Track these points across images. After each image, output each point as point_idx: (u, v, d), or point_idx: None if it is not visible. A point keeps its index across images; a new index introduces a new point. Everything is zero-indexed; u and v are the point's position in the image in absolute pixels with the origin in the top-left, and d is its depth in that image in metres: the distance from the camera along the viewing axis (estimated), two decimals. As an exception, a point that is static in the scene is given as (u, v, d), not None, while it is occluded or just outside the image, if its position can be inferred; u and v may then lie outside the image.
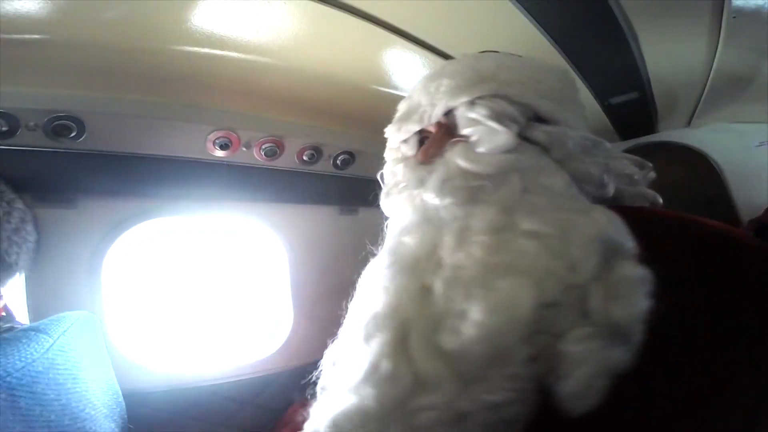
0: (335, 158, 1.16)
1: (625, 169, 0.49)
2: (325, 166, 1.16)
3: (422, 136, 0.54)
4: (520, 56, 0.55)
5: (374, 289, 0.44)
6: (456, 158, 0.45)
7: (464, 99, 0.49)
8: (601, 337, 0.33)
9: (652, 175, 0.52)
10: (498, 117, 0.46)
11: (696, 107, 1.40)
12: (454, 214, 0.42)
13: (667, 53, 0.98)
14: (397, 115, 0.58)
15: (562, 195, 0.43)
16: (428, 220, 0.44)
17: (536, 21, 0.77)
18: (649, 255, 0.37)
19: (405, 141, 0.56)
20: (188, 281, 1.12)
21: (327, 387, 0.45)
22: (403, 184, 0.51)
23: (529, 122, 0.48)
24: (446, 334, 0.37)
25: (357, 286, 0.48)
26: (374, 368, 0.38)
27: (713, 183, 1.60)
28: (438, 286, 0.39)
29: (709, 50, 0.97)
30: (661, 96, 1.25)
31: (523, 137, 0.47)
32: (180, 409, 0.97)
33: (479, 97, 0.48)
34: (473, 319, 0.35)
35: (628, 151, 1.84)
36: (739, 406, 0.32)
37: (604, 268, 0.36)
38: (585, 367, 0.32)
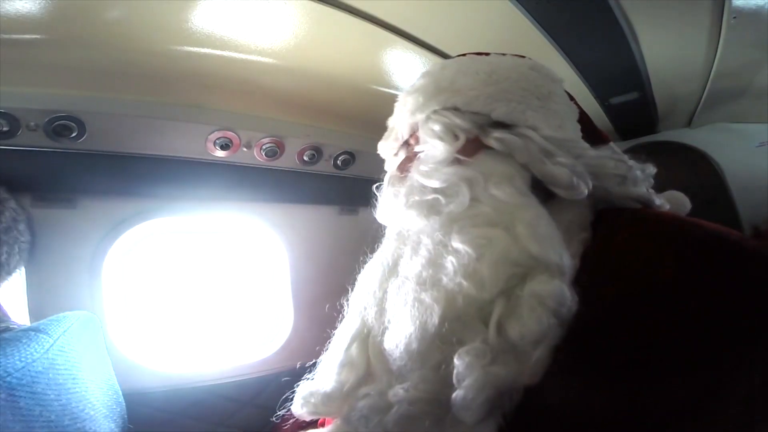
0: (335, 158, 1.16)
1: (611, 170, 0.47)
2: (325, 166, 1.16)
3: (408, 149, 0.56)
4: (486, 54, 0.55)
5: (360, 290, 0.51)
6: (415, 174, 0.49)
7: (420, 116, 0.52)
8: (486, 354, 0.36)
9: (651, 171, 0.51)
10: (448, 129, 0.48)
11: (696, 107, 1.40)
12: (417, 227, 0.47)
13: (668, 53, 0.98)
14: (386, 132, 0.61)
15: (507, 203, 0.43)
16: (400, 234, 0.50)
17: (536, 21, 0.78)
18: (639, 260, 0.37)
19: (395, 155, 0.59)
20: (188, 281, 1.12)
21: (313, 374, 0.52)
22: (387, 197, 0.54)
23: (484, 128, 0.48)
24: (388, 336, 0.43)
25: (355, 284, 0.54)
26: (340, 356, 0.47)
27: (713, 183, 1.60)
28: (391, 292, 0.45)
29: (709, 50, 0.97)
30: (662, 96, 1.25)
31: (484, 144, 0.48)
32: (180, 409, 0.97)
33: (434, 111, 0.51)
34: (401, 325, 0.42)
35: (628, 151, 1.83)
36: (735, 406, 0.32)
37: (516, 284, 0.38)
38: (467, 381, 0.35)
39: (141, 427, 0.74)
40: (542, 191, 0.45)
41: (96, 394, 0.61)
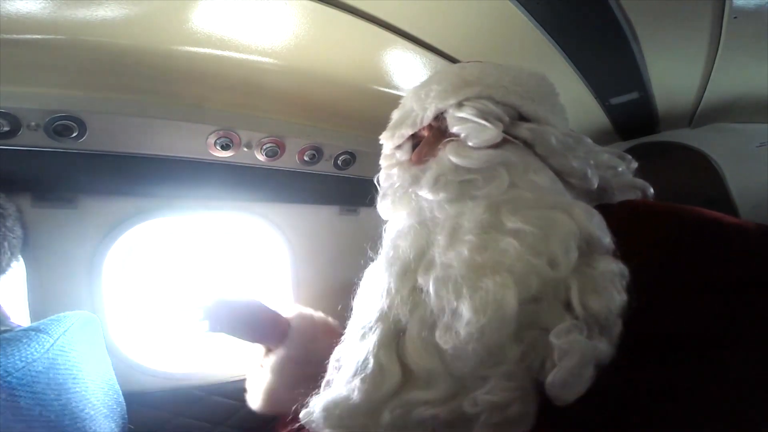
0: (336, 158, 1.16)
1: (608, 162, 0.53)
2: (325, 166, 1.16)
3: (415, 142, 0.57)
4: (500, 64, 0.59)
5: (371, 292, 0.46)
6: (448, 155, 0.48)
7: (452, 101, 0.53)
8: (582, 329, 0.35)
9: (634, 165, 0.55)
10: (484, 115, 0.50)
11: (697, 107, 1.40)
12: (447, 213, 0.44)
13: (668, 53, 0.98)
14: (391, 122, 0.61)
15: (548, 190, 0.45)
16: (422, 222, 0.46)
17: (537, 21, 0.78)
18: (632, 244, 0.39)
19: (399, 147, 0.59)
20: (188, 281, 1.12)
21: (329, 382, 0.47)
22: (398, 184, 0.53)
23: (513, 121, 0.51)
24: (441, 333, 0.38)
25: (358, 286, 0.50)
26: (364, 364, 0.41)
27: (713, 183, 1.60)
28: (430, 285, 0.41)
29: (710, 50, 0.97)
30: (662, 96, 1.25)
31: (509, 135, 0.50)
32: (180, 409, 0.97)
33: (466, 99, 0.52)
34: (464, 318, 0.37)
35: (628, 151, 1.84)
36: (729, 383, 0.33)
37: (583, 263, 0.38)
38: (570, 358, 0.33)
39: (141, 427, 0.74)
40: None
41: (96, 394, 0.61)
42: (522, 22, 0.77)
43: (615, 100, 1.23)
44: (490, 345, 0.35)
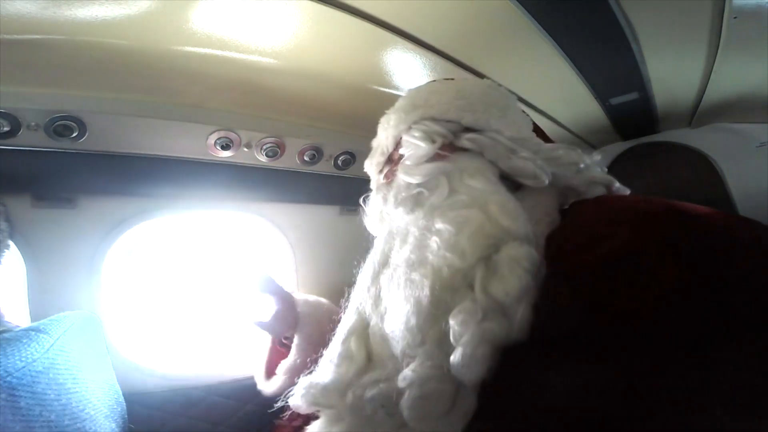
0: (336, 158, 1.16)
1: (565, 158, 0.55)
2: (325, 166, 1.16)
3: (392, 165, 0.63)
4: (450, 80, 0.65)
5: (355, 291, 0.54)
6: (400, 174, 0.55)
7: (403, 126, 0.60)
8: (477, 312, 0.39)
9: (598, 158, 0.57)
10: (427, 135, 0.56)
11: (697, 107, 1.40)
12: (404, 221, 0.52)
13: (668, 54, 0.98)
14: (371, 152, 0.68)
15: (481, 190, 0.49)
16: (390, 232, 0.54)
17: (537, 21, 0.78)
18: (595, 234, 0.41)
19: (381, 172, 0.66)
20: (188, 281, 1.12)
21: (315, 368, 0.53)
22: (376, 204, 0.61)
23: (457, 134, 0.57)
24: (388, 321, 0.46)
25: (353, 287, 0.56)
26: (338, 349, 0.50)
27: (713, 183, 1.60)
28: (384, 282, 0.49)
29: (710, 51, 0.97)
30: (662, 96, 1.25)
31: (457, 146, 0.56)
32: (180, 409, 0.97)
33: (414, 122, 0.59)
34: (397, 306, 0.44)
35: (628, 151, 1.84)
36: (706, 389, 0.32)
37: (493, 252, 0.42)
38: (464, 338, 0.37)
39: (141, 427, 0.74)
40: (510, 183, 0.53)
41: (96, 393, 0.61)
42: (522, 22, 0.77)
43: (615, 100, 1.23)
44: (411, 327, 0.42)
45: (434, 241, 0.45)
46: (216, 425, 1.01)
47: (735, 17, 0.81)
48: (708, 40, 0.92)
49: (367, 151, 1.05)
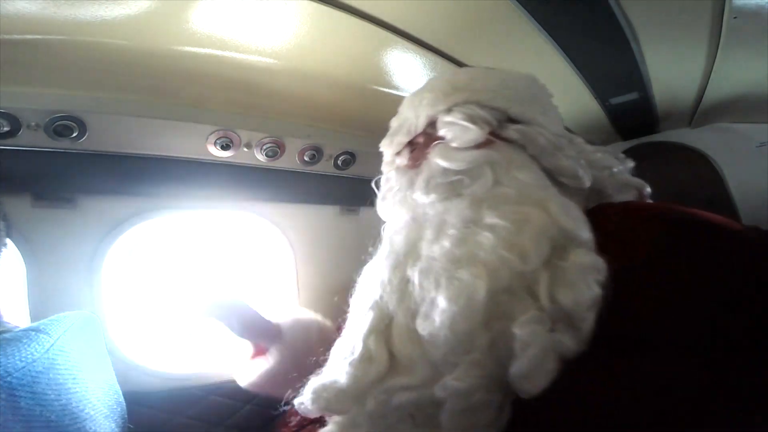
0: (336, 158, 1.16)
1: (602, 161, 0.54)
2: (325, 166, 1.16)
3: (412, 148, 0.60)
4: (491, 69, 0.61)
5: (367, 284, 0.50)
6: (436, 158, 0.51)
7: (442, 107, 0.55)
8: (545, 321, 0.36)
9: (630, 164, 0.57)
10: (471, 119, 0.52)
11: (697, 107, 1.40)
12: (437, 209, 0.47)
13: (668, 53, 0.98)
14: (390, 130, 0.63)
15: (531, 186, 0.46)
16: (416, 218, 0.49)
17: (537, 21, 0.78)
18: (625, 242, 0.40)
19: (398, 153, 0.61)
20: (189, 281, 1.12)
21: (322, 369, 0.49)
22: (397, 188, 0.56)
23: (501, 123, 0.53)
24: (421, 320, 0.41)
25: (355, 288, 0.53)
26: (354, 349, 0.44)
27: (713, 183, 1.60)
28: (415, 276, 0.44)
29: (710, 51, 0.97)
30: (662, 96, 1.25)
31: (499, 137, 0.52)
32: (180, 409, 0.97)
33: (455, 105, 0.55)
34: (440, 306, 0.39)
35: (628, 151, 1.84)
36: (713, 387, 0.33)
37: (556, 257, 0.39)
38: (532, 349, 0.34)
39: (141, 427, 0.74)
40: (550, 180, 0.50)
41: (96, 394, 0.61)
42: (522, 22, 0.77)
43: (615, 100, 1.23)
44: (459, 332, 0.38)
45: (486, 237, 0.41)
46: (215, 425, 1.01)
47: (735, 17, 0.81)
48: (708, 40, 0.92)
49: (367, 151, 1.05)
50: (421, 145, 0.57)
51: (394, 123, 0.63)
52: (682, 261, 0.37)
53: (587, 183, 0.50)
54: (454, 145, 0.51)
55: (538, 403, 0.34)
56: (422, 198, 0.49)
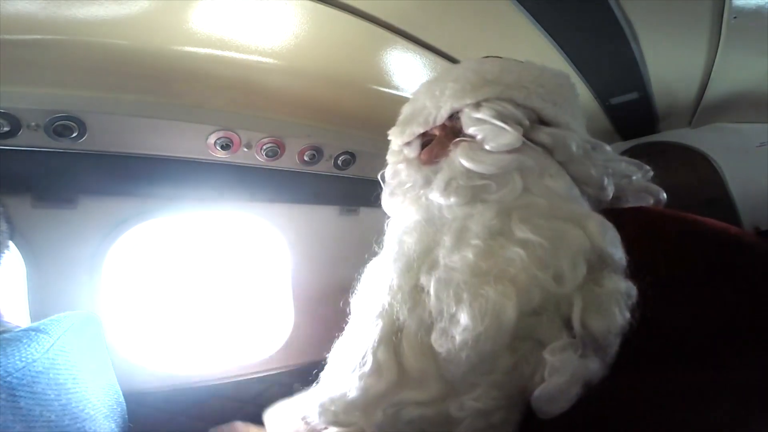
0: (336, 158, 1.16)
1: (624, 170, 0.51)
2: (325, 166, 1.16)
3: (425, 140, 0.55)
4: (521, 62, 0.56)
5: (372, 287, 0.46)
6: (460, 158, 0.46)
7: (469, 101, 0.50)
8: (577, 348, 0.34)
9: (650, 174, 0.53)
10: (503, 118, 0.47)
11: (697, 107, 1.40)
12: (456, 214, 0.43)
13: (668, 53, 0.98)
14: (401, 117, 0.58)
15: (563, 197, 0.43)
16: (430, 220, 0.45)
17: (537, 21, 0.78)
18: (644, 254, 0.38)
19: (408, 144, 0.57)
20: (189, 281, 1.12)
21: (325, 378, 0.46)
22: (409, 184, 0.52)
23: (533, 125, 0.49)
24: (437, 336, 0.38)
25: (359, 284, 0.50)
26: (363, 361, 0.41)
27: (714, 183, 1.60)
28: (431, 286, 0.40)
29: (710, 51, 0.97)
30: (662, 96, 1.25)
31: (528, 139, 0.47)
32: (180, 409, 0.97)
33: (485, 100, 0.50)
34: (462, 324, 0.36)
35: (628, 151, 1.84)
36: (732, 400, 0.32)
37: (590, 279, 0.37)
38: (561, 376, 0.33)
39: (141, 427, 0.74)
40: None
41: (96, 393, 0.61)
42: (522, 21, 0.77)
43: (615, 100, 1.23)
44: (483, 353, 0.35)
45: (517, 254, 0.38)
46: (216, 425, 1.01)
47: (735, 17, 0.81)
48: (708, 40, 0.92)
49: (367, 151, 1.04)
50: (438, 138, 0.53)
51: (406, 110, 0.58)
52: (715, 279, 0.37)
53: (611, 194, 0.48)
54: (486, 147, 0.47)
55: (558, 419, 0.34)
56: (440, 200, 0.45)
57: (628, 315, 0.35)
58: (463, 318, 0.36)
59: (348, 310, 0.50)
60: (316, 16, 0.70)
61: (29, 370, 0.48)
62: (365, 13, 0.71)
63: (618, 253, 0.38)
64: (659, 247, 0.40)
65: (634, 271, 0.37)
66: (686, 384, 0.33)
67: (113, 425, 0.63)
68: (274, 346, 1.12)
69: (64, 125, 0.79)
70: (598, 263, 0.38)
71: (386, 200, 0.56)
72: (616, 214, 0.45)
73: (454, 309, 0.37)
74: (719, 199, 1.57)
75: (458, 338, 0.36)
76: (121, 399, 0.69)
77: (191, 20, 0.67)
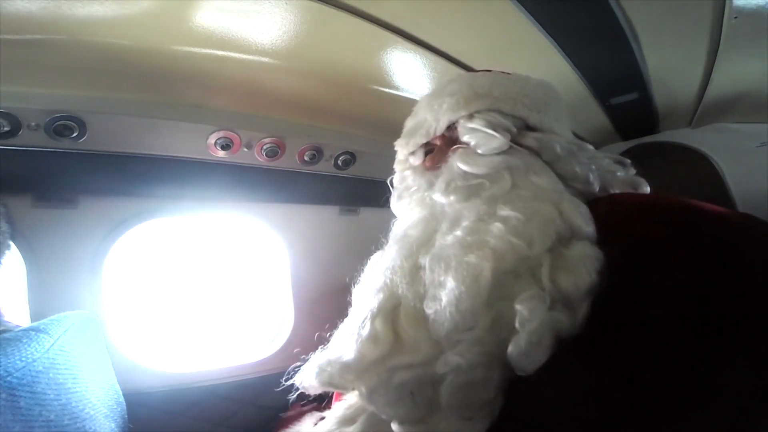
0: (336, 158, 1.16)
1: (607, 166, 0.57)
2: (325, 166, 1.16)
3: (427, 148, 0.62)
4: (509, 74, 0.63)
5: (376, 269, 0.52)
6: (457, 162, 0.53)
7: (464, 113, 0.57)
8: (545, 300, 0.38)
9: (633, 171, 0.59)
10: (493, 127, 0.54)
11: (697, 108, 1.40)
12: (455, 208, 0.50)
13: (668, 53, 0.98)
14: (405, 130, 0.65)
15: (546, 189, 0.49)
16: (432, 214, 0.52)
17: (537, 21, 0.78)
18: (608, 227, 0.43)
19: (412, 153, 0.63)
20: (189, 281, 1.12)
21: (325, 347, 0.51)
22: (415, 188, 0.59)
23: (520, 131, 0.56)
24: (428, 301, 0.43)
25: (361, 278, 0.55)
26: (361, 328, 0.46)
27: (713, 183, 1.60)
28: (426, 261, 0.46)
29: (710, 51, 0.97)
30: (662, 97, 1.25)
31: (516, 143, 0.54)
32: (180, 409, 0.97)
33: (477, 111, 0.57)
34: (447, 287, 0.42)
35: (629, 151, 1.84)
36: (710, 384, 0.34)
37: (561, 245, 0.42)
38: (531, 324, 0.36)
39: (141, 427, 0.74)
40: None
41: (96, 393, 0.61)
42: (522, 22, 0.77)
43: (615, 100, 1.23)
44: (463, 310, 0.40)
45: (497, 227, 0.44)
46: (217, 425, 1.01)
47: (735, 17, 0.81)
48: (708, 40, 0.92)
49: (367, 151, 1.05)
50: (439, 147, 0.60)
51: (409, 123, 0.65)
52: (678, 249, 0.38)
53: (597, 188, 0.53)
54: (479, 151, 0.54)
55: (532, 388, 0.36)
56: (442, 199, 0.52)
57: (596, 277, 0.38)
58: (449, 282, 0.42)
59: (348, 310, 0.53)
60: (316, 16, 0.70)
61: (29, 370, 0.48)
62: (365, 13, 0.71)
63: (587, 227, 0.43)
64: (620, 219, 0.44)
65: (602, 244, 0.41)
66: (658, 357, 0.35)
67: (113, 425, 0.63)
68: (274, 346, 1.13)
69: (64, 125, 0.79)
70: (569, 233, 0.43)
71: (395, 203, 0.63)
72: (594, 200, 0.51)
73: (443, 277, 0.43)
74: (719, 199, 1.57)
75: (444, 299, 0.41)
76: (121, 399, 0.69)
77: (192, 20, 0.68)
